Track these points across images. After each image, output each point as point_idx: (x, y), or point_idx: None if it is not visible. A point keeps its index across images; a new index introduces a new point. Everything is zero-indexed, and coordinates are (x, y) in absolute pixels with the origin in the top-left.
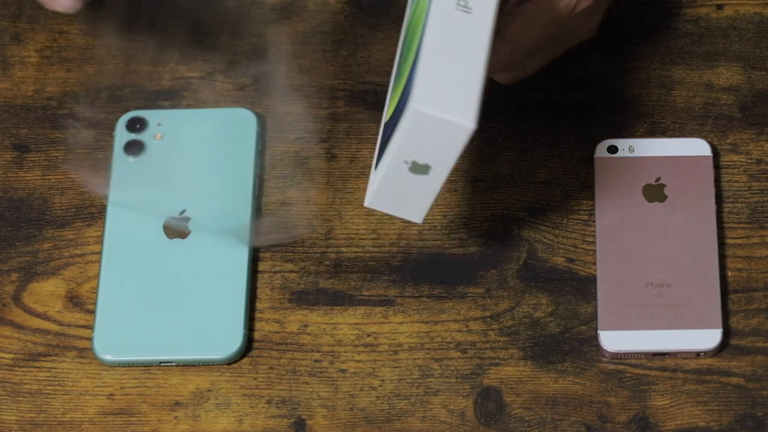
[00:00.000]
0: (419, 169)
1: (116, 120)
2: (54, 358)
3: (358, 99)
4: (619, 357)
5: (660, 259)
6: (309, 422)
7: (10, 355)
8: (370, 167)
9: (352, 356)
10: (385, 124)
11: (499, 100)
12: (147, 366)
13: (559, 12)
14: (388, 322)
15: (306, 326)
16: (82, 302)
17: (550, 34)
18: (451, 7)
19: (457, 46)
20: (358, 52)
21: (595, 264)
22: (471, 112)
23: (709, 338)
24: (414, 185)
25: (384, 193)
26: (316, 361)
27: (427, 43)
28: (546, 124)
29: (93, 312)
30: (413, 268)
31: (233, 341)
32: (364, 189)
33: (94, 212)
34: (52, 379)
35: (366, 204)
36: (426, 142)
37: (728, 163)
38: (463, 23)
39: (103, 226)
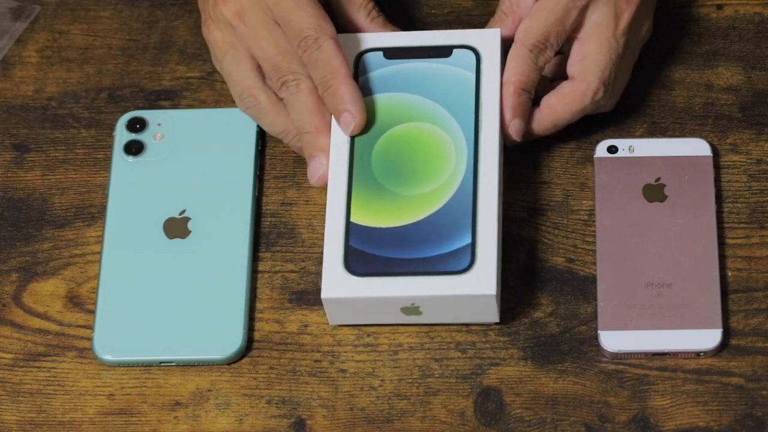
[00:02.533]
0: (410, 310)
1: (116, 120)
2: (54, 358)
3: None
4: (619, 357)
5: (660, 259)
6: (309, 422)
7: (10, 355)
8: None
9: (352, 356)
10: (358, 226)
11: None
12: (147, 366)
13: (593, 91)
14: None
15: (306, 326)
16: (82, 302)
17: (585, 108)
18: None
19: (495, 223)
20: None
21: (595, 264)
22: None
23: (709, 338)
24: (385, 311)
25: (351, 306)
26: (316, 361)
27: (493, 227)
28: None
29: (93, 312)
30: None
31: (233, 341)
32: None
33: (94, 212)
34: (52, 379)
35: (323, 296)
36: (453, 305)
37: (728, 163)
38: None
39: (103, 226)
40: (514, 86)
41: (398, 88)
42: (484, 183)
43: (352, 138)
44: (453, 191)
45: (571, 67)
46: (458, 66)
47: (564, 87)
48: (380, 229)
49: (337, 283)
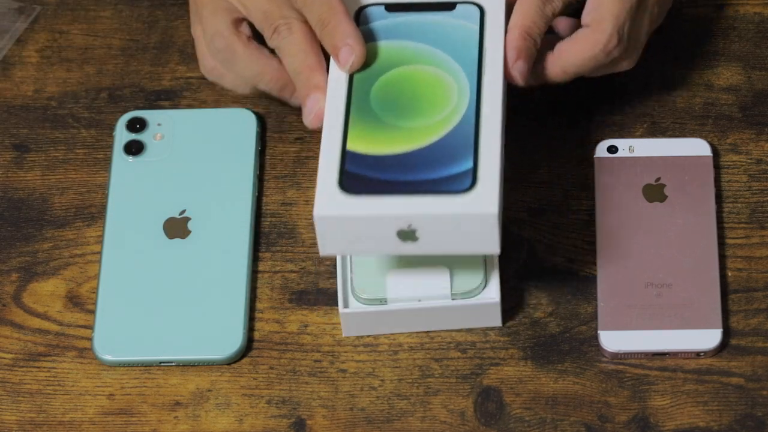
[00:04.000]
0: (407, 235)
1: (116, 120)
2: (54, 358)
3: None
4: (619, 357)
5: (660, 259)
6: (309, 422)
7: (10, 355)
8: None
9: (352, 356)
10: (355, 153)
11: None
12: (147, 366)
13: (607, 38)
14: None
15: (306, 326)
16: (82, 302)
17: (596, 57)
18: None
19: (499, 145)
20: None
21: (595, 264)
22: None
23: (709, 338)
24: (380, 235)
25: (344, 227)
26: (316, 361)
27: (497, 148)
28: (546, 124)
29: (93, 312)
30: None
31: (233, 341)
32: None
33: (94, 212)
34: (52, 379)
35: (315, 214)
36: (451, 228)
37: (728, 163)
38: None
39: (103, 226)
40: (519, 30)
41: (400, 37)
42: (487, 114)
43: (350, 78)
44: (455, 122)
45: (586, 16)
46: (461, 18)
47: (578, 33)
48: (378, 156)
49: (330, 201)
